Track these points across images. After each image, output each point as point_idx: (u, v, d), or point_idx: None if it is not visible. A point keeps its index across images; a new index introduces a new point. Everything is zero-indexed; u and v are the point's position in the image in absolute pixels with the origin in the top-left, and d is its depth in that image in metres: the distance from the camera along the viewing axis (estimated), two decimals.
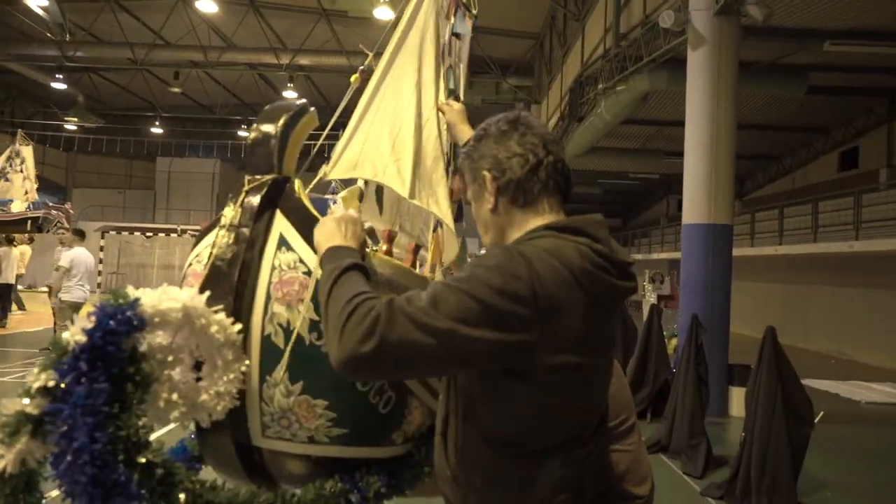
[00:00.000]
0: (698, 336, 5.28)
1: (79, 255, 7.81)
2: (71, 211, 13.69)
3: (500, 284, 1.00)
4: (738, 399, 6.67)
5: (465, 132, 1.74)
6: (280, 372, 1.26)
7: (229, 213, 1.36)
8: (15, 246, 11.87)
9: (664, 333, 6.75)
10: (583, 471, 1.11)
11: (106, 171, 32.87)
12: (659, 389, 6.22)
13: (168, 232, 23.83)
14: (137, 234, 23.18)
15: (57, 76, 21.11)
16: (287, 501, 1.23)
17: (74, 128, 26.36)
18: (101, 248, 22.05)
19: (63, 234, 11.57)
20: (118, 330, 1.12)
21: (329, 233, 1.24)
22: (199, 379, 1.24)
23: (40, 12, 15.38)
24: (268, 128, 1.41)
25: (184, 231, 23.74)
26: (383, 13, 15.01)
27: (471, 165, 1.24)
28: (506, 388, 1.05)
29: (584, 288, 1.05)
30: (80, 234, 8.54)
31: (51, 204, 12.87)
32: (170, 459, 1.18)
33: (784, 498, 3.93)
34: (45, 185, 31.21)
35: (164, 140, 28.07)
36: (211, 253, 1.33)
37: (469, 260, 2.02)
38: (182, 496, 1.16)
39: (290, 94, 21.66)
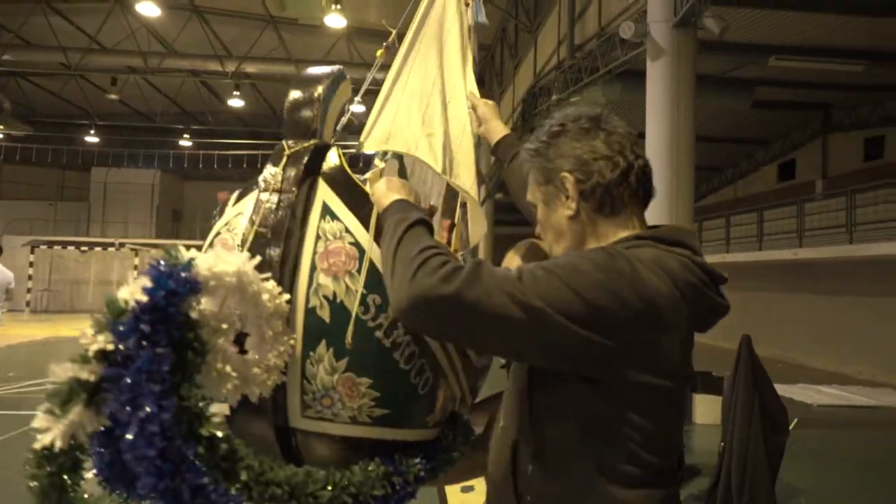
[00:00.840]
0: None
1: None
2: None
3: (601, 279, 0.91)
4: (701, 407, 6.73)
5: (499, 128, 1.64)
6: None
7: (269, 177, 1.28)
8: None
9: None
10: None
11: (35, 181, 31.09)
12: None
13: (105, 246, 22.71)
14: (71, 248, 21.99)
15: None
16: (337, 483, 1.18)
17: (0, 136, 24.87)
18: (31, 264, 20.83)
19: None
20: (179, 291, 1.01)
21: (394, 187, 1.18)
22: (241, 352, 1.15)
23: None
24: (309, 92, 1.36)
25: (122, 245, 22.69)
26: (335, 21, 14.75)
27: (543, 164, 1.09)
28: (584, 401, 0.95)
29: (687, 302, 0.96)
30: None
31: None
32: (231, 434, 1.08)
33: None
34: None
35: (100, 149, 26.79)
36: (252, 219, 1.24)
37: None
38: (244, 474, 1.08)
39: (235, 102, 21.10)
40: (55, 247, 21.99)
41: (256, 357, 1.14)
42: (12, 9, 17.10)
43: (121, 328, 0.98)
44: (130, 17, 17.44)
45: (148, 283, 1.01)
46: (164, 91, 23.17)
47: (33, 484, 1.01)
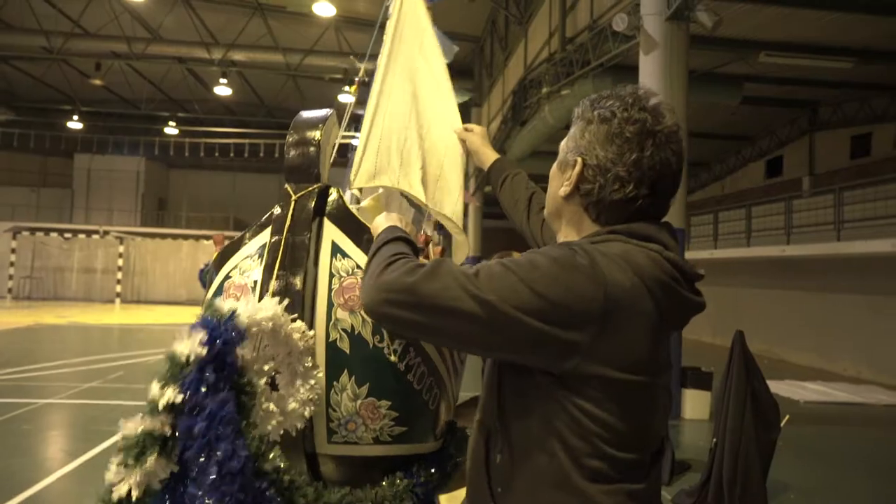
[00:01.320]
0: None
1: None
2: None
3: (556, 273, 0.91)
4: (690, 402, 6.75)
5: (490, 155, 1.68)
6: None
7: (280, 220, 1.37)
8: None
9: None
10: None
11: (17, 167, 30.53)
12: None
13: (89, 233, 22.36)
14: (54, 234, 21.63)
15: None
16: (374, 499, 1.30)
17: None
18: (13, 251, 20.49)
19: None
20: (232, 341, 1.13)
21: (391, 219, 1.27)
22: (272, 389, 1.25)
23: None
24: (308, 138, 1.46)
25: (106, 232, 22.37)
26: (323, 9, 14.57)
27: (577, 133, 1.07)
28: (561, 401, 0.94)
29: (655, 299, 0.94)
30: None
31: None
32: (289, 465, 1.20)
33: None
34: None
35: (83, 136, 26.33)
36: (274, 265, 1.33)
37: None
38: (302, 501, 1.20)
39: (222, 90, 20.82)
40: (38, 233, 21.61)
41: (290, 393, 1.24)
42: None
43: (187, 380, 1.08)
44: (114, 1, 17.12)
45: (204, 336, 1.11)
46: (149, 78, 22.80)
47: None
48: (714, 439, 4.16)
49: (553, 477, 0.95)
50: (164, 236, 22.86)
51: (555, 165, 1.12)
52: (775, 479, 4.75)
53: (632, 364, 0.93)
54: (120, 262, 20.96)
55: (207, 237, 22.34)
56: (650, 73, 7.07)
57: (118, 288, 20.88)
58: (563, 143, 1.12)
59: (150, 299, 20.92)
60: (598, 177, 1.01)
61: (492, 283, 0.92)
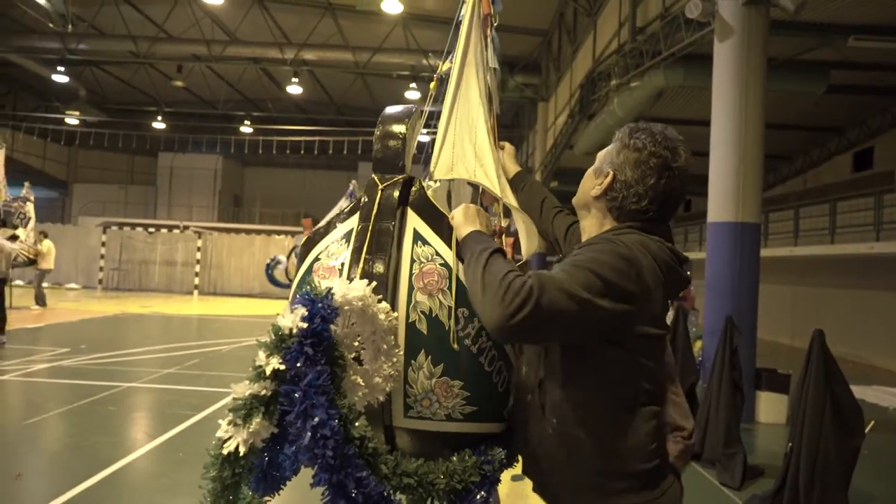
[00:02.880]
0: (733, 339, 5.02)
1: None
2: (31, 197, 13.30)
3: (614, 264, 1.20)
4: (765, 404, 6.44)
5: (513, 168, 1.93)
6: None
7: (367, 208, 1.47)
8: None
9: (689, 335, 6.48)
10: (662, 421, 1.34)
11: (107, 166, 32.62)
12: (686, 393, 5.97)
13: (170, 228, 23.58)
14: (139, 229, 22.91)
15: (58, 69, 20.86)
16: (446, 472, 1.39)
17: (76, 122, 26.10)
18: (103, 244, 21.84)
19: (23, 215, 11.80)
20: (328, 317, 1.24)
21: (471, 217, 1.43)
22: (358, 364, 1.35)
23: (42, 2, 15.04)
24: (395, 130, 1.57)
25: (186, 227, 23.51)
26: (392, 6, 14.73)
27: (614, 151, 1.39)
28: (604, 352, 1.25)
29: (665, 275, 1.28)
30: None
31: (10, 197, 12.55)
32: (374, 435, 1.29)
33: None
34: (45, 179, 30.98)
35: (166, 135, 27.78)
36: (361, 249, 1.43)
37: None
38: (384, 468, 1.29)
39: (294, 89, 21.44)
40: (125, 228, 22.95)
41: (374, 368, 1.34)
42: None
43: (289, 351, 1.20)
44: (195, 6, 17.92)
45: (305, 312, 1.22)
46: (226, 79, 23.78)
47: (212, 485, 1.21)
48: (789, 444, 3.95)
49: (598, 404, 1.27)
50: (238, 231, 23.78)
51: (591, 169, 1.45)
52: (859, 488, 4.47)
53: (657, 321, 1.28)
54: (198, 255, 21.93)
55: (279, 232, 23.08)
56: (725, 62, 6.77)
57: (196, 280, 21.87)
58: (601, 153, 1.43)
59: (225, 291, 21.80)
60: (623, 190, 1.35)
61: (579, 281, 1.16)
